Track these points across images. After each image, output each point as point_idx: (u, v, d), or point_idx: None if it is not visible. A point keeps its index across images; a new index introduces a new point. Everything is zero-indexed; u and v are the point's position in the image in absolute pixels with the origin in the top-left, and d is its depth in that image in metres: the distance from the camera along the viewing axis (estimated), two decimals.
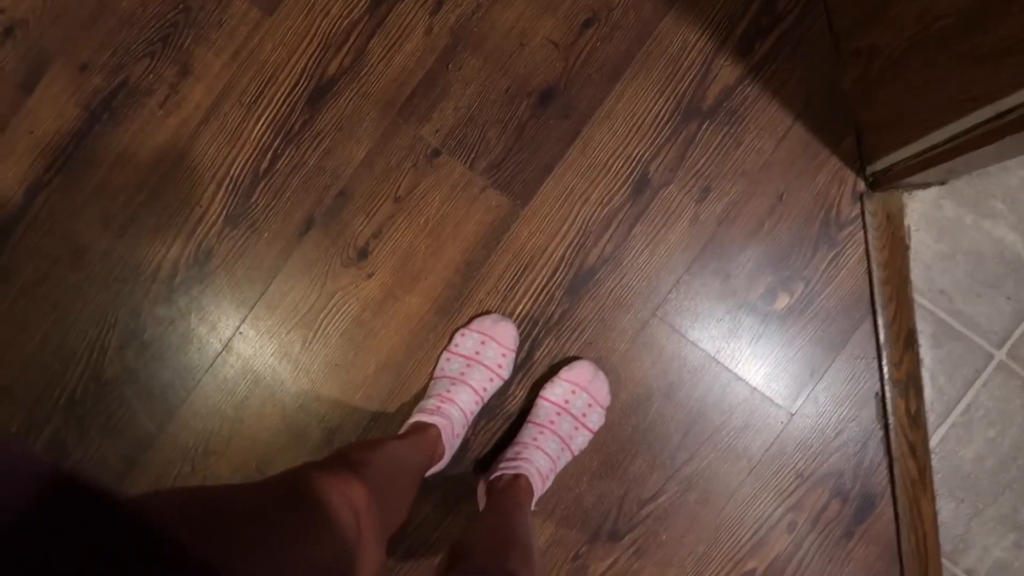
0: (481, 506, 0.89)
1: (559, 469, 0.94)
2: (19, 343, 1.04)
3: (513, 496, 0.85)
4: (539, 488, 0.89)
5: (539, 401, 0.97)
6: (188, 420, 1.03)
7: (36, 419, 1.03)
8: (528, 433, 0.95)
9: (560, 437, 0.94)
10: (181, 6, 1.05)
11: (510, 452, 0.93)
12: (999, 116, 0.71)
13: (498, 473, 0.89)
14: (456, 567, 0.65)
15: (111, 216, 1.04)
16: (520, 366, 1.01)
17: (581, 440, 0.96)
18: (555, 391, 0.97)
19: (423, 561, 1.01)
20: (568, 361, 1.00)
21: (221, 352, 1.03)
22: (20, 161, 1.05)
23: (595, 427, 0.97)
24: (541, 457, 0.91)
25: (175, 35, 1.05)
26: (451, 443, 0.91)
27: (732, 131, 1.01)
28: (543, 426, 0.94)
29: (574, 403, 0.96)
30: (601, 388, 0.97)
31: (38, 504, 0.24)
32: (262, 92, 1.04)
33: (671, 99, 1.01)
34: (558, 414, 0.95)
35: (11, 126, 1.05)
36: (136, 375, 1.03)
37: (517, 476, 0.88)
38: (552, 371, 0.99)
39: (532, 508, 0.88)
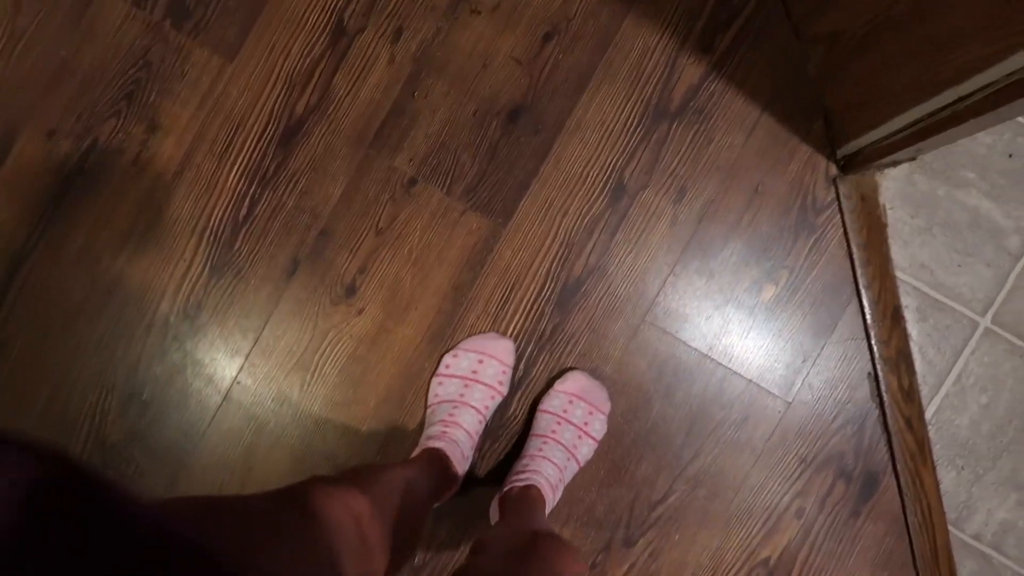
0: (494, 522, 0.90)
1: (567, 480, 0.95)
2: (19, 416, 1.04)
3: (527, 505, 0.86)
4: (550, 498, 0.90)
5: (538, 414, 0.99)
6: (198, 474, 1.03)
7: None
8: (533, 445, 0.96)
9: (564, 446, 0.95)
10: (141, 62, 1.04)
11: (518, 466, 0.94)
12: (961, 99, 0.72)
13: (508, 487, 0.91)
14: (475, 557, 0.67)
15: (97, 279, 1.04)
16: (517, 385, 1.02)
17: (586, 450, 0.97)
18: (552, 403, 0.98)
19: None
20: (561, 373, 1.01)
21: (221, 403, 1.04)
22: None
23: (598, 435, 0.98)
24: (548, 466, 0.92)
25: (139, 91, 1.04)
26: (462, 466, 0.92)
27: (702, 129, 1.02)
28: (546, 436, 0.96)
29: (573, 412, 0.97)
30: (598, 395, 0.98)
31: (49, 502, 0.25)
32: (232, 139, 1.04)
33: (638, 103, 1.02)
34: (559, 423, 0.96)
35: None
36: (141, 435, 1.04)
37: (528, 487, 0.89)
38: (547, 385, 1.01)
39: (546, 519, 0.89)
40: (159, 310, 1.04)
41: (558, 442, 0.95)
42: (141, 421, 1.04)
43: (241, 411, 1.04)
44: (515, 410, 1.02)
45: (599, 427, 0.98)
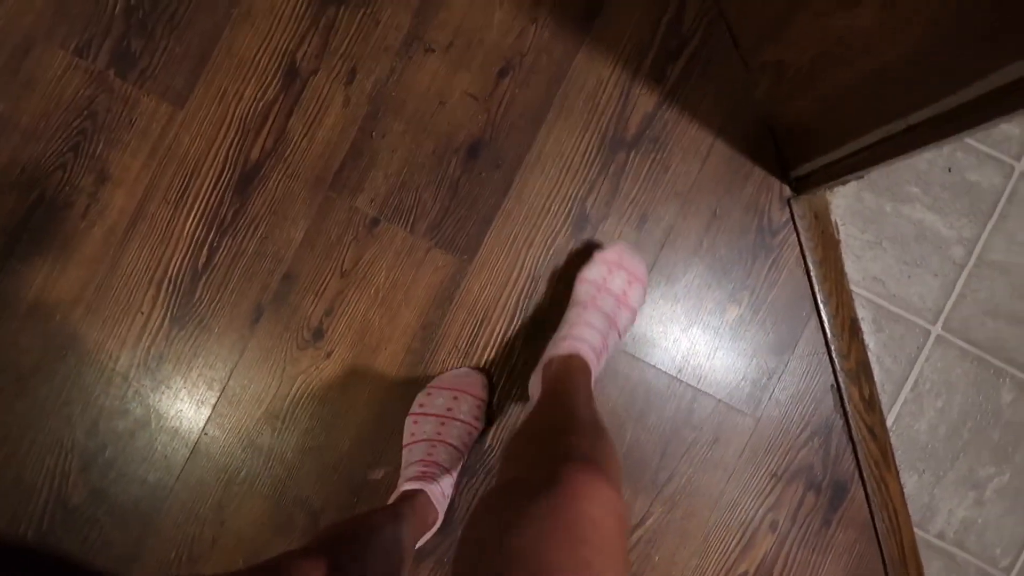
0: (535, 396, 0.85)
1: (611, 349, 0.92)
2: None
3: (568, 377, 0.80)
4: (595, 364, 0.85)
5: (578, 284, 0.96)
6: (166, 531, 1.00)
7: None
8: (573, 313, 0.93)
9: (605, 313, 0.92)
10: (86, 112, 1.01)
11: (559, 334, 0.90)
12: (910, 128, 0.75)
13: (549, 357, 0.85)
14: (503, 468, 0.62)
15: (50, 337, 1.00)
16: (492, 419, 1.02)
17: (626, 319, 0.95)
18: (592, 271, 0.95)
19: None
20: (602, 245, 1.00)
21: (189, 456, 1.01)
22: None
23: (637, 305, 0.96)
24: (592, 333, 0.88)
25: (85, 143, 1.01)
26: (442, 504, 0.91)
27: (658, 157, 1.04)
28: (585, 304, 0.92)
29: (612, 281, 0.94)
30: (639, 266, 0.97)
31: None
32: (187, 187, 1.02)
33: (595, 134, 1.04)
34: (599, 290, 0.94)
35: None
36: (104, 495, 1.00)
37: (570, 356, 0.84)
38: (588, 252, 0.99)
39: (592, 386, 0.82)
40: (118, 365, 1.01)
41: (599, 309, 0.92)
42: (104, 480, 1.00)
43: (210, 463, 1.01)
44: (491, 443, 1.02)
45: (638, 297, 0.96)
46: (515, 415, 1.02)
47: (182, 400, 1.01)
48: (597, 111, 1.03)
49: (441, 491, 0.91)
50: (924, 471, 1.04)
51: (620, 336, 0.94)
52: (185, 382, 1.01)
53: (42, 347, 1.01)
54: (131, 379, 1.01)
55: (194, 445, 1.01)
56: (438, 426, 0.97)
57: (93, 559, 1.00)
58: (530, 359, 1.02)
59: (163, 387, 1.01)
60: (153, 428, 1.01)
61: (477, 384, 0.99)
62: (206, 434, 1.01)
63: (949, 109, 0.68)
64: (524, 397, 1.02)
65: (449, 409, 0.97)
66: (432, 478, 0.89)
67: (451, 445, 0.95)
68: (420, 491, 0.88)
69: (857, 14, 0.73)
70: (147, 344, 1.01)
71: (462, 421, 0.97)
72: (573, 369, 0.81)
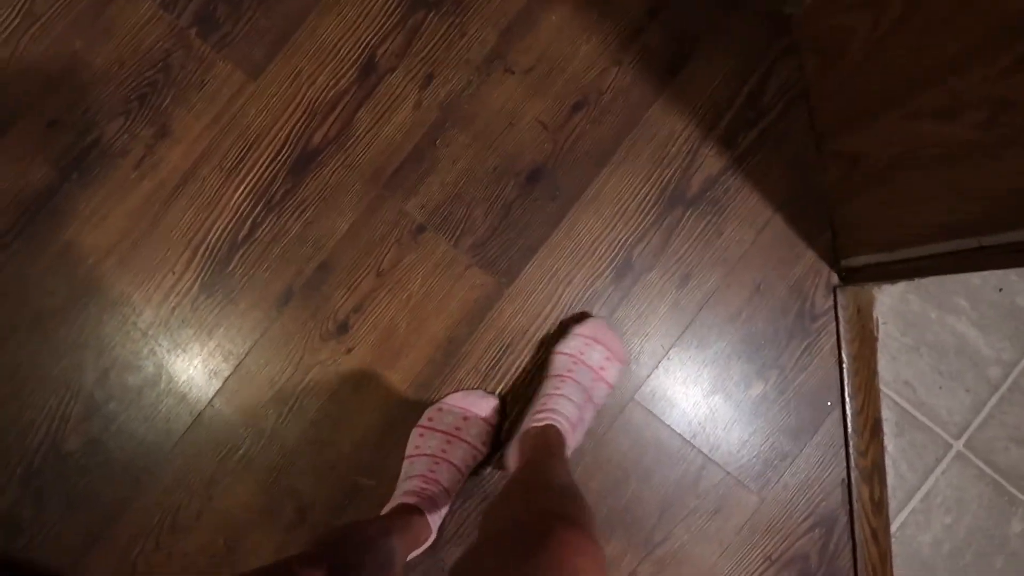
0: (511, 465, 0.86)
1: (587, 422, 0.92)
2: None
3: (545, 446, 0.81)
4: (571, 437, 0.86)
5: (554, 356, 0.96)
6: (154, 495, 0.99)
7: None
8: (549, 385, 0.93)
9: (581, 385, 0.92)
10: (161, 64, 1.01)
11: (534, 406, 0.91)
12: (982, 248, 0.74)
13: (526, 427, 0.86)
14: (483, 530, 0.63)
15: (77, 280, 1.00)
16: (499, 444, 1.00)
17: (601, 393, 0.94)
18: (569, 344, 0.95)
19: None
20: (580, 318, 1.00)
21: (191, 424, 1.00)
22: None
23: (614, 381, 0.96)
24: (567, 405, 0.88)
25: (153, 94, 1.01)
26: (436, 523, 0.90)
27: (714, 220, 1.03)
28: (562, 376, 0.93)
29: (590, 355, 0.94)
30: (615, 342, 0.96)
31: None
32: (243, 158, 1.01)
33: (656, 185, 1.03)
34: (575, 363, 0.93)
35: None
36: (100, 446, 0.99)
37: (547, 427, 0.85)
38: (564, 328, 0.98)
39: (568, 460, 0.83)
40: (140, 320, 1.00)
41: (575, 381, 0.92)
42: (104, 432, 0.99)
43: (211, 436, 1.00)
44: (492, 469, 1.01)
45: (615, 374, 0.96)
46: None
47: (196, 367, 1.00)
48: (663, 163, 1.03)
49: (438, 511, 0.89)
50: None
51: (596, 407, 0.94)
52: (202, 350, 1.00)
53: (67, 289, 1.00)
54: (150, 336, 1.00)
55: (198, 414, 1.00)
56: (444, 443, 0.95)
57: (76, 511, 0.99)
58: None
59: (180, 350, 1.00)
60: (162, 389, 1.00)
61: (490, 408, 0.98)
62: (212, 406, 1.00)
63: None
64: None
65: (458, 428, 0.96)
66: (431, 497, 0.88)
67: (454, 465, 0.93)
68: (416, 507, 0.87)
69: (951, 127, 0.73)
70: (173, 305, 1.00)
71: (469, 443, 0.95)
72: (550, 440, 0.82)
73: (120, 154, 1.01)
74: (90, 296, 1.00)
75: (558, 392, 0.90)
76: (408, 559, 0.88)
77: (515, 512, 0.62)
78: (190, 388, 1.00)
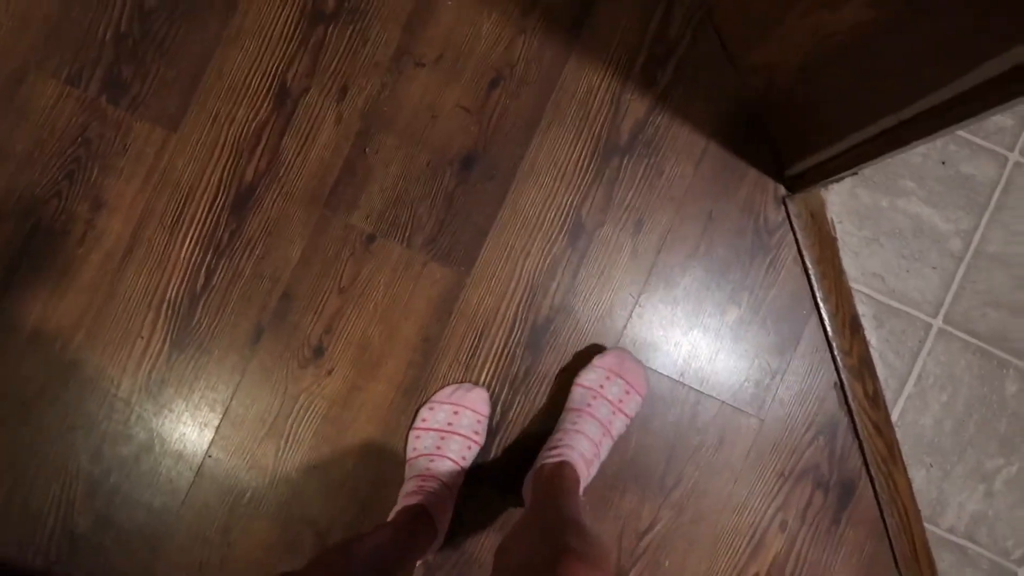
0: (527, 502, 0.88)
1: (603, 456, 0.94)
2: None
3: (558, 483, 0.83)
4: (585, 474, 0.88)
5: (574, 388, 0.97)
6: (174, 557, 1.00)
7: None
8: (567, 419, 0.95)
9: (599, 420, 0.93)
10: (80, 139, 1.01)
11: (552, 440, 0.93)
12: (902, 123, 0.75)
13: (541, 463, 0.88)
14: (497, 567, 0.65)
15: (51, 364, 1.00)
16: (495, 430, 1.02)
17: (620, 425, 0.96)
18: (589, 376, 0.97)
19: None
20: (601, 348, 1.01)
21: (194, 479, 1.01)
22: None
23: (632, 413, 0.97)
24: (583, 441, 0.90)
25: (79, 170, 1.01)
26: (442, 518, 0.91)
27: (652, 162, 1.04)
28: (580, 410, 0.94)
29: (609, 388, 0.96)
30: (637, 375, 0.98)
31: None
32: (182, 211, 1.02)
33: (588, 142, 1.04)
34: (594, 398, 0.95)
35: None
36: (111, 522, 1.00)
37: (561, 464, 0.87)
38: (587, 358, 1.00)
39: (581, 495, 0.86)
40: (120, 390, 1.01)
41: (593, 416, 0.93)
42: (110, 506, 1.00)
43: (216, 485, 1.01)
44: (495, 455, 1.02)
45: (634, 406, 0.97)
46: (517, 426, 1.02)
47: (185, 423, 1.01)
48: (589, 118, 1.04)
49: (442, 505, 0.90)
50: (932, 466, 1.04)
51: (613, 440, 0.96)
52: (187, 405, 1.01)
53: (45, 374, 1.01)
54: (133, 404, 1.01)
55: (199, 468, 1.01)
56: (438, 440, 0.97)
57: None
58: (531, 369, 1.02)
59: (165, 411, 1.01)
60: (157, 452, 1.01)
61: (478, 400, 0.99)
62: (210, 456, 1.01)
63: (941, 102, 0.68)
64: (526, 410, 1.02)
65: (450, 424, 0.97)
66: (431, 492, 0.89)
67: (450, 459, 0.95)
68: (419, 506, 0.88)
69: (842, 13, 0.73)
70: (148, 368, 1.01)
71: (462, 435, 0.96)
72: (564, 477, 0.84)
73: (62, 234, 1.01)
74: (67, 376, 1.00)
75: (575, 428, 0.92)
76: (425, 557, 0.89)
77: (527, 549, 0.65)
78: (184, 445, 1.01)
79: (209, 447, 1.01)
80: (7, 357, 1.00)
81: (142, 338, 1.01)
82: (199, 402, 1.01)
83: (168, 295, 1.01)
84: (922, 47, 0.68)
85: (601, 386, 0.96)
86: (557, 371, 1.02)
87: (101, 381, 1.01)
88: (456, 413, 0.98)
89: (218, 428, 1.01)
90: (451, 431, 0.97)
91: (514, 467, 0.99)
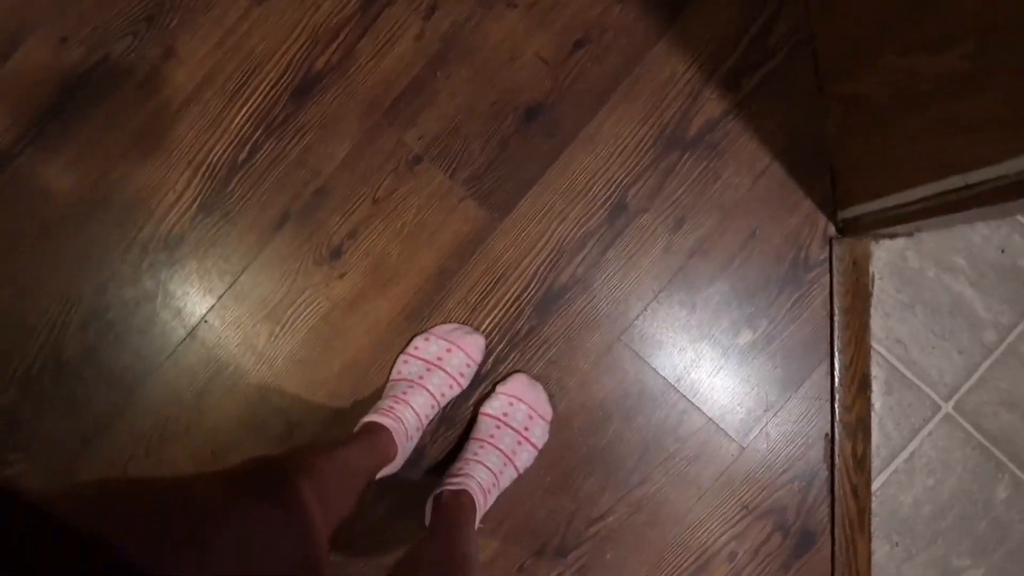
0: (427, 521, 0.90)
1: (504, 484, 0.95)
2: None
3: (456, 513, 0.86)
4: (482, 503, 0.90)
5: (480, 416, 0.99)
6: (147, 404, 1.02)
7: None
8: (470, 449, 0.96)
9: (501, 451, 0.95)
10: None
11: (453, 468, 0.94)
12: (968, 187, 0.73)
13: (440, 489, 0.90)
14: None
15: (82, 193, 1.02)
16: (484, 377, 1.02)
17: (526, 456, 0.97)
18: (493, 404, 0.98)
19: (374, 557, 1.02)
20: (505, 376, 1.01)
21: (185, 339, 1.03)
22: None
23: (539, 442, 0.98)
24: (482, 471, 0.92)
25: (160, 15, 1.03)
26: (404, 445, 0.91)
27: (712, 164, 1.02)
28: (484, 440, 0.96)
29: (513, 416, 0.97)
30: (539, 399, 0.99)
31: None
32: (246, 82, 1.03)
33: (655, 127, 1.02)
34: (498, 427, 0.96)
35: None
36: (97, 355, 1.02)
37: (459, 492, 0.89)
38: (491, 386, 1.01)
39: (478, 524, 0.88)
40: (141, 234, 1.02)
41: (495, 447, 0.95)
42: (100, 341, 1.02)
43: (203, 350, 1.03)
44: (476, 399, 1.02)
45: (540, 433, 0.98)
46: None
47: (191, 284, 1.03)
48: (662, 105, 1.02)
49: (405, 431, 0.90)
50: (898, 544, 1.02)
51: (517, 471, 0.96)
52: (198, 267, 1.03)
53: (73, 201, 1.03)
54: (149, 251, 1.02)
55: (192, 329, 1.03)
56: (423, 371, 0.97)
57: (71, 416, 1.02)
58: (534, 329, 1.01)
59: (177, 267, 1.03)
60: (158, 304, 1.03)
61: (474, 345, 0.99)
62: (206, 321, 1.02)
63: (1011, 174, 0.66)
64: (520, 366, 1.02)
65: (440, 359, 0.97)
66: (398, 417, 0.89)
67: (429, 392, 0.95)
68: (384, 427, 0.88)
69: (942, 58, 0.71)
70: (172, 222, 1.02)
71: (447, 373, 0.96)
72: (461, 505, 0.86)
73: (126, 73, 1.03)
74: (94, 210, 1.02)
75: (475, 458, 0.93)
76: (377, 477, 0.90)
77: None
78: (185, 303, 1.03)
79: (207, 313, 1.03)
80: (41, 177, 1.03)
81: (174, 191, 1.03)
82: (210, 268, 1.03)
83: (210, 158, 1.03)
84: (1006, 111, 0.65)
85: (505, 413, 0.97)
86: (558, 340, 1.02)
87: (125, 221, 1.03)
88: (449, 351, 0.98)
89: (221, 297, 1.02)
90: (438, 366, 0.97)
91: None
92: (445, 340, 0.99)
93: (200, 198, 1.03)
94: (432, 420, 0.98)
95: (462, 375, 0.98)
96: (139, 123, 1.03)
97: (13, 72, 1.02)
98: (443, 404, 0.97)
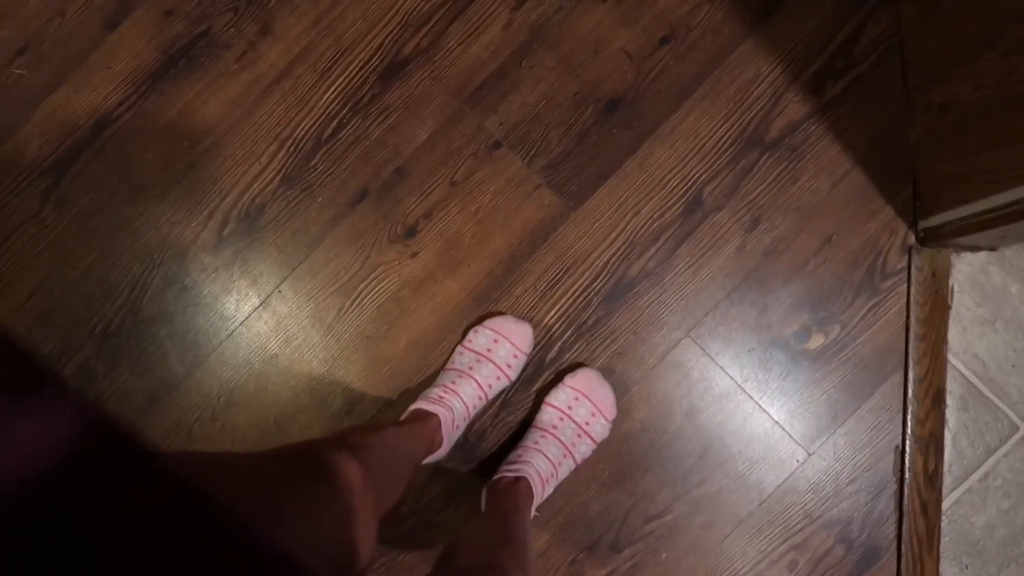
0: (483, 507, 0.90)
1: (561, 476, 0.94)
2: (63, 269, 1.06)
3: (512, 499, 0.86)
4: (539, 492, 0.89)
5: (543, 406, 0.98)
6: (216, 368, 1.04)
7: (70, 344, 1.05)
8: (531, 437, 0.96)
9: (562, 443, 0.94)
10: None
11: (512, 455, 0.94)
12: None
13: (498, 475, 0.90)
14: (440, 565, 0.69)
15: (173, 159, 1.06)
16: (547, 365, 1.02)
17: (584, 448, 0.96)
18: (558, 396, 0.97)
19: (423, 540, 1.02)
20: (573, 368, 1.01)
21: (258, 307, 1.05)
22: (94, 94, 1.07)
23: (599, 437, 0.97)
24: (542, 460, 0.91)
25: None
26: (450, 434, 0.91)
27: (791, 166, 1.02)
28: (545, 431, 0.95)
29: (577, 410, 0.96)
30: (605, 398, 0.98)
31: (79, 452, 0.24)
32: (337, 61, 1.06)
33: (736, 126, 1.02)
34: (560, 419, 0.96)
35: (90, 60, 1.08)
36: (172, 317, 1.05)
37: (517, 479, 0.89)
38: (558, 377, 1.00)
39: (533, 513, 0.88)
40: (223, 204, 1.06)
41: (556, 438, 0.94)
42: (177, 303, 1.05)
43: (274, 320, 1.05)
44: (539, 386, 1.02)
45: (600, 430, 0.97)
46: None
47: (268, 254, 1.05)
48: (745, 104, 1.02)
49: (453, 420, 0.90)
50: (967, 566, 0.98)
51: (576, 463, 0.95)
52: (276, 238, 1.05)
53: (164, 165, 1.06)
54: (231, 220, 1.05)
55: (265, 298, 1.05)
56: (473, 361, 0.97)
57: (143, 374, 1.04)
58: (601, 320, 1.01)
59: (256, 236, 1.05)
60: (235, 272, 1.05)
61: (520, 335, 0.99)
62: (279, 292, 1.05)
63: None
64: (582, 358, 1.02)
65: (488, 350, 0.98)
66: (447, 405, 0.90)
67: (477, 382, 0.95)
68: (432, 414, 0.89)
69: None
70: (256, 192, 1.05)
71: (495, 364, 0.97)
72: (518, 492, 0.86)
73: (225, 46, 1.07)
74: (183, 174, 1.06)
75: (536, 447, 0.93)
76: (424, 462, 0.90)
77: (466, 558, 0.69)
78: (261, 272, 1.05)
79: (281, 283, 1.05)
80: (137, 141, 1.07)
81: (259, 163, 1.06)
82: (288, 239, 1.05)
83: (296, 133, 1.06)
84: None
85: (569, 407, 0.96)
86: (624, 332, 1.01)
87: (211, 189, 1.06)
88: (496, 341, 0.98)
89: (295, 269, 1.05)
90: (487, 357, 0.97)
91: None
92: (492, 331, 0.99)
93: (284, 171, 1.06)
94: (481, 410, 0.98)
95: (509, 366, 0.97)
96: (232, 96, 1.06)
97: (119, 41, 1.07)
98: (490, 396, 0.97)
